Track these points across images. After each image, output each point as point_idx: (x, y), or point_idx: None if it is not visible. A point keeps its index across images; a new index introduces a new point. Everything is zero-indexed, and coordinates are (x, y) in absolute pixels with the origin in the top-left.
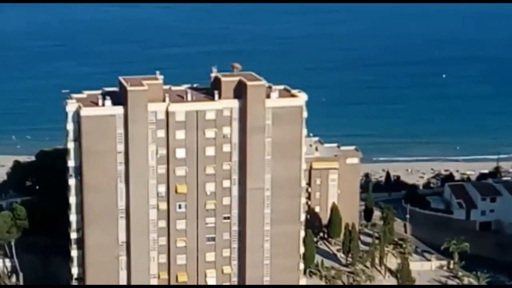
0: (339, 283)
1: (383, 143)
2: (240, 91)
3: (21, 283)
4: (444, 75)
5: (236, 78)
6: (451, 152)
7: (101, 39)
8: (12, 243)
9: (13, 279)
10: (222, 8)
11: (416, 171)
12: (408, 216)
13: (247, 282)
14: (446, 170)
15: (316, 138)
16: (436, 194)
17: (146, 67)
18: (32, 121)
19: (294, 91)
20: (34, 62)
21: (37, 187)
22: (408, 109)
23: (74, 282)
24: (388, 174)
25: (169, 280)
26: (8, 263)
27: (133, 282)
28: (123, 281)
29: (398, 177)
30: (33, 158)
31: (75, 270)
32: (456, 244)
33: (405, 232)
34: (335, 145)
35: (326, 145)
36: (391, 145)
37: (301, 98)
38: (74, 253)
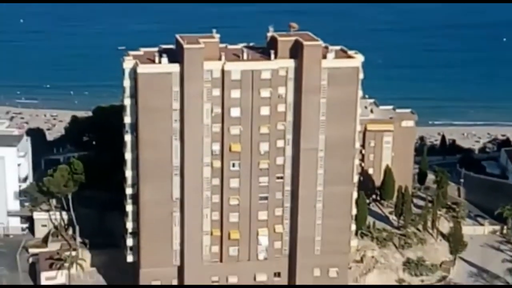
0: (391, 245)
1: (439, 107)
2: (296, 51)
3: (77, 235)
4: (504, 39)
5: (293, 38)
6: (508, 117)
7: None
8: (69, 197)
9: (70, 231)
10: None
11: (472, 135)
12: (462, 180)
13: (299, 241)
14: (503, 135)
15: (372, 100)
16: (492, 159)
17: (203, 25)
18: (90, 78)
19: (350, 52)
20: (93, 19)
21: (94, 143)
22: (466, 72)
23: (129, 237)
24: (443, 137)
25: (221, 237)
26: (65, 216)
27: (186, 239)
28: (176, 237)
29: (454, 141)
30: (90, 113)
31: (129, 225)
32: (510, 209)
33: (459, 196)
34: (390, 107)
35: (382, 107)
36: (447, 109)
37: (358, 59)
38: (129, 208)
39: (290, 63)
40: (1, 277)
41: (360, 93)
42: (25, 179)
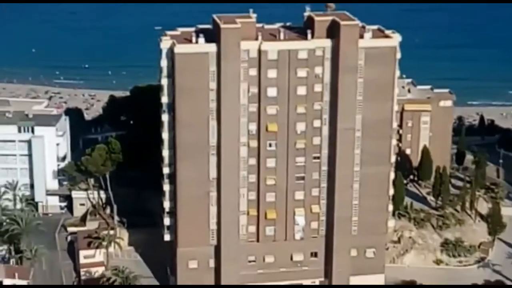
0: (428, 226)
1: (477, 87)
2: (333, 31)
3: (115, 214)
4: None
5: (330, 18)
6: None
7: None
8: (107, 176)
9: (107, 210)
10: None
11: (511, 116)
12: (501, 161)
13: (335, 221)
14: None
15: (409, 80)
16: None
17: (240, 5)
18: (127, 58)
19: (387, 32)
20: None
21: (131, 122)
22: (505, 52)
23: (166, 216)
24: (482, 117)
25: (258, 216)
26: (103, 195)
27: (223, 218)
28: (213, 216)
29: (492, 121)
30: (128, 93)
31: (166, 204)
32: None
33: (498, 177)
34: (428, 87)
35: (419, 87)
36: (486, 89)
37: (395, 39)
38: (166, 187)
39: (327, 43)
40: (41, 255)
41: (398, 73)
42: (63, 158)
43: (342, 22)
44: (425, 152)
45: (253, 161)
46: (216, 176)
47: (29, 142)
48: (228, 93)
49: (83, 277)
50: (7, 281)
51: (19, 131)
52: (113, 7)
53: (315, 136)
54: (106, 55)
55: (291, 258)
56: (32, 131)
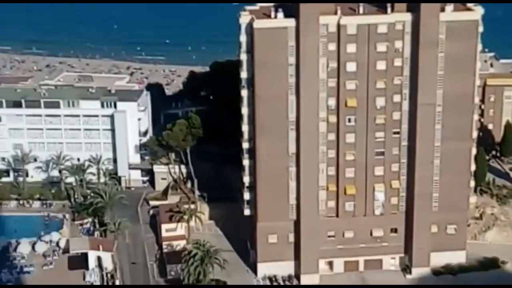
0: (511, 202)
1: None
2: (413, 5)
3: (196, 189)
4: None
5: None
6: None
7: None
8: (187, 151)
9: (188, 185)
10: None
11: None
12: None
13: (416, 197)
14: None
15: (492, 54)
16: None
17: None
18: (207, 33)
19: (469, 5)
20: None
21: (211, 97)
22: None
23: (246, 191)
24: None
25: (337, 192)
26: (183, 169)
27: (302, 193)
28: (292, 192)
29: None
30: (207, 69)
31: (246, 179)
32: None
33: None
34: (511, 61)
35: (502, 61)
36: None
37: (477, 12)
38: (245, 162)
39: (407, 17)
40: (124, 228)
41: (480, 46)
42: (145, 133)
43: None
44: (508, 127)
45: (332, 136)
46: (295, 151)
47: (111, 117)
48: (307, 68)
49: (165, 250)
50: (91, 253)
51: (102, 106)
52: None
53: (395, 111)
54: (186, 31)
55: (371, 234)
56: (115, 106)
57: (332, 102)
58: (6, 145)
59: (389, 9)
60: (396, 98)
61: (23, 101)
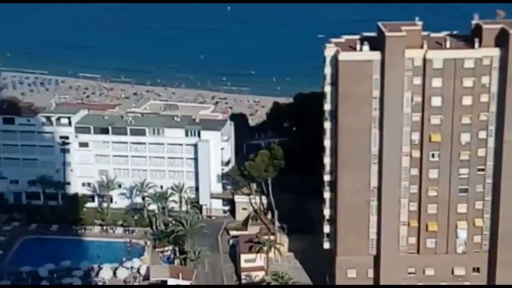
0: None
1: None
2: (502, 40)
3: (276, 220)
4: None
5: (499, 26)
6: None
7: None
8: (269, 181)
9: (269, 215)
10: None
11: None
12: None
13: (500, 236)
14: None
15: None
16: None
17: (406, 13)
18: (291, 65)
19: None
20: (294, 9)
21: (294, 129)
22: None
23: (326, 224)
24: None
25: (419, 228)
26: (264, 200)
27: (383, 228)
28: (373, 226)
29: None
30: (291, 100)
31: (327, 212)
32: None
33: None
34: None
35: None
36: None
37: None
38: (326, 195)
39: (495, 52)
40: (204, 257)
41: None
42: (227, 163)
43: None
44: None
45: (415, 171)
46: (377, 185)
47: (195, 145)
48: (391, 101)
49: (243, 281)
50: (171, 281)
51: (187, 135)
52: (279, 15)
53: (480, 147)
54: (271, 62)
55: (452, 272)
56: (199, 135)
57: (415, 136)
58: (92, 171)
59: (476, 44)
60: (482, 135)
61: (110, 128)
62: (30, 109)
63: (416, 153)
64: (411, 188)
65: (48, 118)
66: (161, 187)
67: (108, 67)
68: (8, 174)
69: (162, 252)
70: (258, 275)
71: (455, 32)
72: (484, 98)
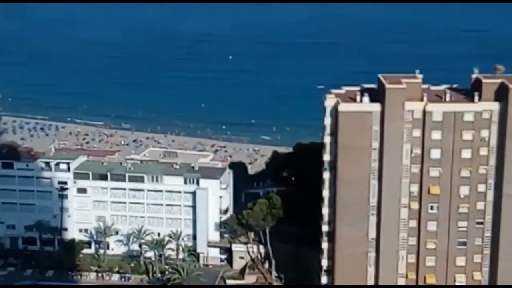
0: None
1: None
2: (501, 94)
3: (273, 269)
4: None
5: (498, 80)
6: None
7: (363, 38)
8: (267, 231)
9: (266, 265)
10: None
11: None
12: None
13: None
14: None
15: None
16: None
17: (406, 66)
18: (291, 115)
19: None
20: (294, 59)
21: (293, 178)
22: None
23: (323, 274)
24: None
25: (417, 280)
26: (262, 249)
27: (380, 280)
28: (371, 278)
29: None
30: (291, 149)
31: (324, 262)
32: None
33: None
34: None
35: None
36: None
37: None
38: (324, 245)
39: (495, 106)
40: None
41: None
42: (225, 211)
43: (511, 86)
44: None
45: (413, 223)
46: (376, 236)
47: (194, 193)
48: (391, 153)
49: None
50: None
51: (185, 182)
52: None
53: (479, 200)
54: (271, 112)
55: None
56: (197, 183)
57: (414, 188)
58: (89, 217)
59: (476, 98)
60: (481, 188)
61: (108, 174)
62: (29, 154)
63: (415, 205)
64: (410, 240)
65: (47, 163)
66: (159, 234)
67: (108, 114)
68: (5, 219)
69: None
70: None
71: (455, 86)
72: (483, 151)
